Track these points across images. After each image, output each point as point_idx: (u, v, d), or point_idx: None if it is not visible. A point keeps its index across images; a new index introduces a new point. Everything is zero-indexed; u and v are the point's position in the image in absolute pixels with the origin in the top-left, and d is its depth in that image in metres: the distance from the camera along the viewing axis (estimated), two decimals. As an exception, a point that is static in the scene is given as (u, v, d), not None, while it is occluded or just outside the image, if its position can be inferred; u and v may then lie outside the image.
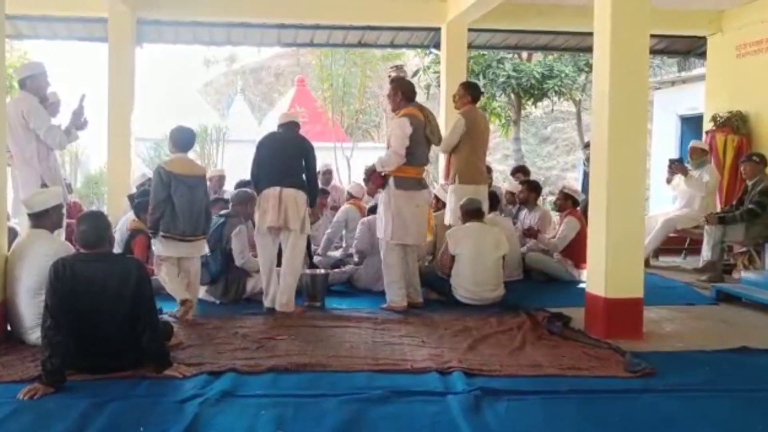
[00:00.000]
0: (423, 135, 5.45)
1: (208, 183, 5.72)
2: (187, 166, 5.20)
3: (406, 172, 5.44)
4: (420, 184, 5.58)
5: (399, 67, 5.82)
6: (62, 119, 5.56)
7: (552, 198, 10.66)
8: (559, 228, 7.02)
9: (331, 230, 7.16)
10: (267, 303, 5.41)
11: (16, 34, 9.08)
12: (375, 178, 5.58)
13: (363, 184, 7.49)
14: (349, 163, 14.66)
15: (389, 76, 5.70)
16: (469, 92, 6.16)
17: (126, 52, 8.30)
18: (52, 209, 4.32)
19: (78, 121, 5.52)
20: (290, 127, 5.58)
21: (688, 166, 7.76)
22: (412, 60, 14.91)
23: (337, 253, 7.09)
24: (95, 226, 3.74)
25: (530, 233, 7.05)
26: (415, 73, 13.32)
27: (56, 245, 4.20)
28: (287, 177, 5.30)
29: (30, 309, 4.14)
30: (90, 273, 3.59)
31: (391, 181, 5.43)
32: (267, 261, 5.42)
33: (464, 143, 5.97)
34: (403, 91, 5.54)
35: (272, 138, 5.55)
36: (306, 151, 5.44)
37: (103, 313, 3.57)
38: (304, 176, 5.42)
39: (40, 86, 5.31)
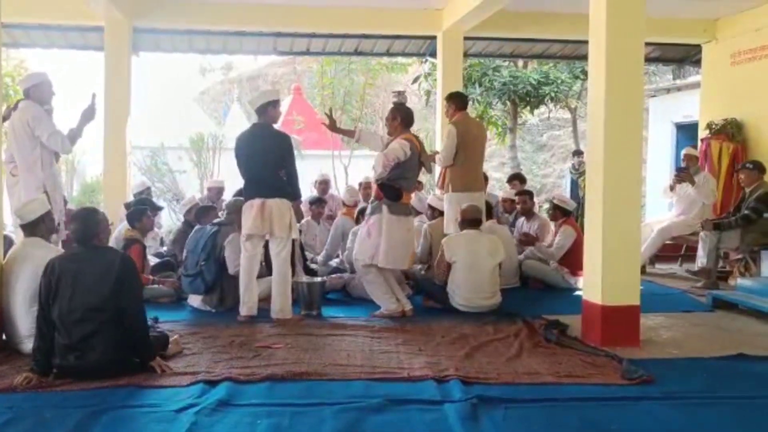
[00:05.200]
0: (418, 161, 5.53)
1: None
2: None
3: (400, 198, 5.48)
4: (410, 210, 5.71)
5: (400, 93, 5.86)
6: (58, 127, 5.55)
7: (547, 206, 10.67)
8: (555, 237, 7.03)
9: (331, 245, 7.14)
10: (243, 311, 5.31)
11: (13, 42, 9.09)
12: (377, 189, 5.57)
13: (357, 188, 7.56)
14: (346, 170, 14.66)
15: (392, 102, 5.70)
16: (453, 101, 6.26)
17: (122, 60, 8.31)
18: (41, 217, 4.37)
19: (89, 120, 5.53)
20: (266, 118, 5.36)
21: None
22: (412, 66, 14.86)
23: (333, 262, 7.07)
24: (84, 224, 3.84)
25: (527, 240, 7.05)
26: (415, 80, 13.35)
27: (52, 253, 4.16)
28: (269, 188, 5.27)
29: (25, 318, 4.12)
30: (75, 266, 3.71)
31: (384, 207, 5.43)
32: (247, 268, 5.35)
33: (458, 152, 6.03)
34: (401, 117, 5.58)
35: (247, 143, 5.36)
36: (282, 153, 5.29)
37: (86, 304, 3.63)
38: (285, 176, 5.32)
39: (44, 95, 5.39)
